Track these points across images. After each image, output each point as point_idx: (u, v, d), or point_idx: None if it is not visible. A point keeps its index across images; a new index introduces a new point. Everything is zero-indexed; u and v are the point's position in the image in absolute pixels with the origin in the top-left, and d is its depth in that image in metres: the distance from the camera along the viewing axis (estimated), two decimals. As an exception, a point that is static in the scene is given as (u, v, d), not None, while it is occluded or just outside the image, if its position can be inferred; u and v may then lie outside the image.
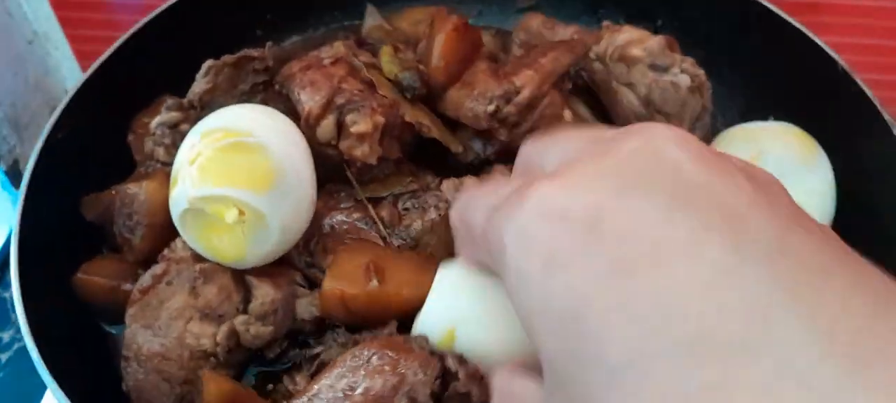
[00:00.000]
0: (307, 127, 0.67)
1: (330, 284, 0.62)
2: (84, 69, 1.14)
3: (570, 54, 0.74)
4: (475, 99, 0.70)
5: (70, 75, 1.17)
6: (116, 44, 0.79)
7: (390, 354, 0.53)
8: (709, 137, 0.79)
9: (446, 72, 0.71)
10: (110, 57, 0.78)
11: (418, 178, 0.73)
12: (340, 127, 0.67)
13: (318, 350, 0.58)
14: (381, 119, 0.66)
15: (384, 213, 0.70)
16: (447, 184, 0.72)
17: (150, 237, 0.67)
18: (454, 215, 0.45)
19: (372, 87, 0.69)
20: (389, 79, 0.73)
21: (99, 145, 0.74)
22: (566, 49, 0.75)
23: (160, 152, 0.70)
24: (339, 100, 0.67)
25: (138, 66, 0.79)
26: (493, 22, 0.96)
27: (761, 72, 0.84)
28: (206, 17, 0.84)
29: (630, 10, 0.91)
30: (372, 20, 0.89)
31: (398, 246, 0.67)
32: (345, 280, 0.62)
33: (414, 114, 0.70)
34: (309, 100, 0.67)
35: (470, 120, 0.70)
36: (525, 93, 0.70)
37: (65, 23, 1.10)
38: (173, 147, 0.69)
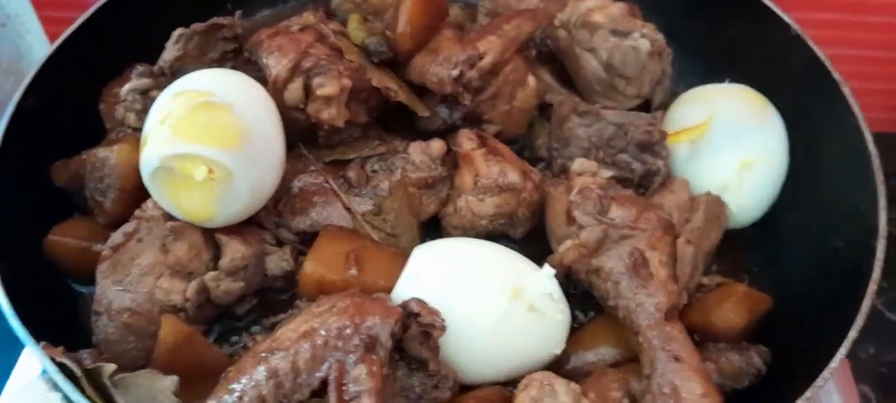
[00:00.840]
0: (275, 90, 0.68)
1: (311, 267, 0.63)
2: (50, 35, 1.14)
3: (532, 22, 0.76)
4: (440, 64, 0.72)
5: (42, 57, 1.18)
6: (86, 14, 0.79)
7: (357, 300, 0.55)
8: (669, 100, 0.81)
9: (412, 39, 0.73)
10: (80, 26, 0.79)
11: (386, 142, 0.74)
12: (308, 90, 0.68)
13: (280, 317, 0.60)
14: (347, 82, 0.68)
15: (352, 174, 0.72)
16: (414, 147, 0.74)
17: (121, 200, 0.68)
18: None
19: (339, 52, 0.71)
20: (357, 46, 0.74)
21: (69, 113, 0.75)
22: (529, 16, 0.77)
23: (131, 118, 0.71)
24: (307, 65, 0.68)
25: (108, 37, 0.80)
26: (463, -5, 0.98)
27: (720, 37, 0.86)
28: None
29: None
30: (342, -7, 0.91)
31: (363, 214, 0.69)
32: (325, 266, 0.63)
33: (380, 79, 0.72)
34: (276, 65, 0.68)
35: (434, 85, 0.72)
36: (488, 59, 0.72)
37: (38, 5, 1.10)
38: (144, 112, 0.70)
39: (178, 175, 0.61)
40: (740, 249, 0.76)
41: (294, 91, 0.68)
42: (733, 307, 0.66)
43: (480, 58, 0.72)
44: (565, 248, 0.65)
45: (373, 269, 0.63)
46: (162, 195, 0.63)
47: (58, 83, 0.74)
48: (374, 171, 0.73)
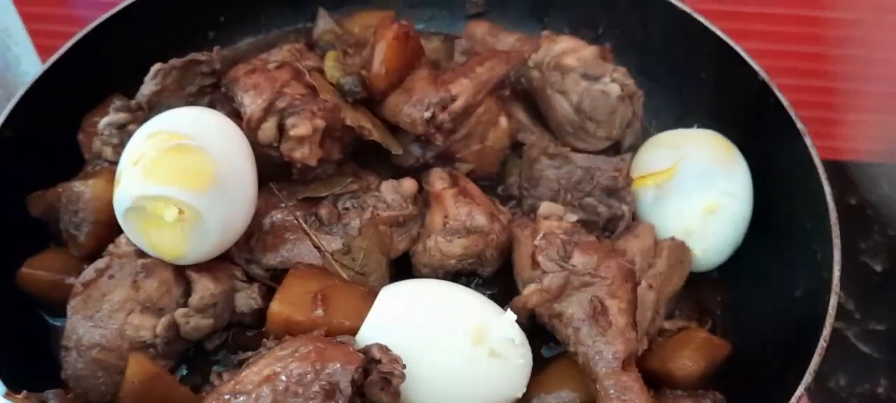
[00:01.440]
0: (249, 129, 0.69)
1: (278, 308, 0.64)
2: (40, 50, 1.15)
3: (505, 65, 0.78)
4: (413, 105, 0.73)
5: (31, 70, 1.18)
6: (69, 43, 0.80)
7: (319, 345, 0.56)
8: (639, 142, 0.83)
9: (386, 79, 0.75)
10: (62, 56, 0.80)
11: (359, 179, 0.76)
12: (281, 130, 0.70)
13: (248, 355, 0.61)
14: (320, 122, 0.69)
15: (324, 212, 0.73)
16: (386, 185, 0.75)
17: (95, 233, 0.69)
18: None
19: (314, 91, 0.72)
20: (332, 84, 0.76)
21: (49, 142, 0.76)
22: (502, 59, 0.79)
23: (108, 151, 0.72)
24: (281, 104, 0.70)
25: (91, 66, 0.81)
26: (443, 27, 0.99)
27: (693, 80, 0.88)
28: (160, 17, 0.87)
29: (574, 18, 0.95)
30: (323, 24, 0.92)
31: (332, 253, 0.71)
32: (292, 306, 0.64)
33: (354, 117, 0.73)
34: (251, 104, 0.70)
35: (407, 125, 0.73)
36: (460, 102, 0.74)
37: (26, 18, 1.11)
38: (121, 146, 0.71)
39: (149, 214, 0.62)
40: (705, 292, 0.78)
41: (268, 130, 0.69)
42: (691, 355, 0.67)
43: (453, 100, 0.74)
44: (529, 292, 0.66)
45: (340, 310, 0.65)
46: (134, 232, 0.64)
47: (38, 113, 0.76)
48: (346, 209, 0.74)
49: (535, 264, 0.67)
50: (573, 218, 0.71)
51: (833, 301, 0.64)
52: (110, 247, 0.67)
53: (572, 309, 0.64)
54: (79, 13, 1.11)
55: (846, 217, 0.70)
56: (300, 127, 0.68)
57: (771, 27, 0.96)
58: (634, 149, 0.82)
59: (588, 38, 0.86)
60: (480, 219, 0.71)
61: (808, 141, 0.74)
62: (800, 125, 0.75)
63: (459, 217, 0.71)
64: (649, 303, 0.69)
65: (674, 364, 0.67)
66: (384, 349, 0.57)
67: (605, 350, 0.62)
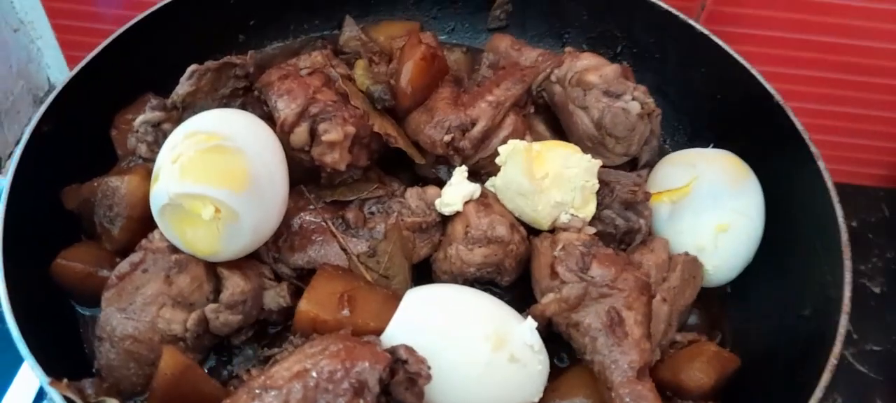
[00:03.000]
0: (282, 133, 0.72)
1: (306, 306, 0.66)
2: (68, 59, 1.18)
3: (521, 84, 0.80)
4: (433, 126, 0.76)
5: (54, 64, 1.21)
6: (104, 43, 0.83)
7: (348, 344, 0.58)
8: (656, 159, 0.86)
9: (412, 98, 0.78)
10: (98, 54, 0.82)
11: (385, 185, 0.78)
12: (313, 134, 0.72)
13: (274, 351, 0.63)
14: (351, 129, 0.71)
15: (350, 216, 0.75)
16: (411, 192, 0.77)
17: (128, 228, 0.71)
18: None
19: (345, 98, 0.75)
20: (362, 91, 0.78)
21: (83, 138, 0.78)
22: (518, 78, 0.81)
23: (142, 149, 0.74)
24: (314, 110, 0.72)
25: (124, 65, 0.83)
26: (464, 39, 1.02)
27: (708, 100, 0.90)
28: (191, 20, 0.89)
29: (592, 36, 0.98)
30: (349, 31, 0.95)
31: (358, 255, 0.73)
32: (319, 305, 0.66)
33: (382, 125, 0.76)
34: (285, 108, 0.72)
35: (427, 145, 0.76)
36: (479, 127, 0.76)
37: (51, 13, 1.14)
38: (155, 144, 0.73)
39: (185, 212, 0.64)
40: (717, 307, 0.80)
41: (300, 135, 0.71)
42: (702, 367, 0.69)
43: (473, 124, 0.76)
44: (548, 301, 0.68)
45: (365, 311, 0.67)
46: (169, 228, 0.66)
47: (74, 109, 0.78)
48: (371, 213, 0.76)
49: (553, 274, 0.69)
50: (592, 230, 0.74)
51: (843, 321, 0.66)
52: (144, 242, 0.69)
53: (589, 318, 0.67)
54: (101, 10, 1.13)
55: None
56: (332, 132, 0.70)
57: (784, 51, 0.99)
58: (651, 165, 0.85)
59: (606, 57, 0.89)
60: (501, 230, 0.73)
61: (821, 164, 0.76)
62: (813, 148, 0.77)
63: (481, 226, 0.73)
64: (663, 316, 0.72)
65: (685, 375, 0.69)
66: (411, 350, 0.59)
67: (621, 360, 0.64)
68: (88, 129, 0.79)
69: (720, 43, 0.86)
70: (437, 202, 0.75)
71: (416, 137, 0.77)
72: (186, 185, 0.64)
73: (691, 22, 0.88)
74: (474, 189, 0.76)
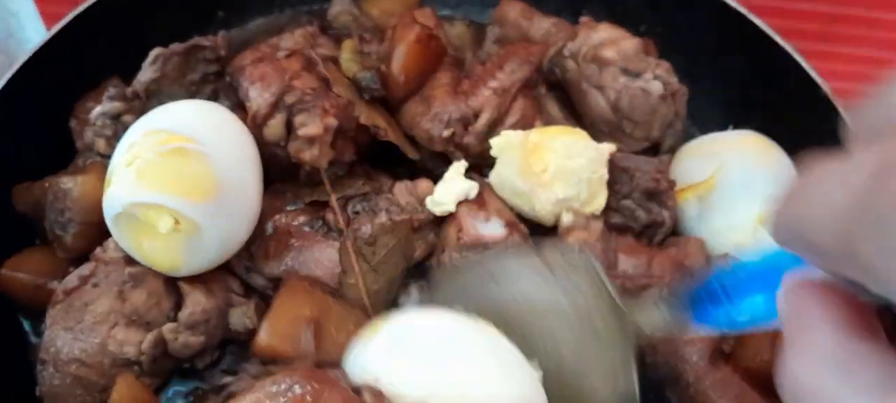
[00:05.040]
0: (254, 125, 0.63)
1: (265, 340, 0.58)
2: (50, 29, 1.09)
3: (527, 65, 0.70)
4: (430, 119, 0.66)
5: (35, 37, 1.12)
6: (66, 19, 0.74)
7: (314, 385, 0.50)
8: (680, 142, 0.75)
9: (405, 87, 0.68)
10: (59, 32, 0.73)
11: (372, 180, 0.69)
12: (289, 127, 0.63)
13: (227, 380, 0.55)
14: (332, 121, 0.62)
15: (330, 217, 0.67)
16: (399, 187, 0.68)
17: (83, 235, 0.63)
18: (778, 231, 0.30)
19: (327, 85, 0.65)
20: (349, 78, 0.69)
21: (41, 128, 0.70)
22: (523, 59, 0.70)
23: (100, 143, 0.66)
24: (290, 99, 0.63)
25: (90, 43, 0.75)
26: (471, 14, 0.91)
27: (744, 87, 0.80)
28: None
29: (614, 11, 0.87)
30: (340, 5, 0.85)
31: (357, 239, 0.64)
32: (280, 337, 0.58)
33: (370, 116, 0.67)
34: (257, 97, 0.63)
35: (424, 141, 0.67)
36: (483, 120, 0.67)
37: (29, -19, 1.05)
38: (114, 138, 0.65)
39: (141, 222, 0.56)
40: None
41: (274, 127, 0.62)
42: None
43: (476, 115, 0.67)
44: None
45: (331, 339, 0.58)
46: (124, 239, 0.58)
47: (30, 94, 0.70)
48: (356, 213, 0.68)
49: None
50: (598, 224, 0.64)
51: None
52: (97, 251, 0.61)
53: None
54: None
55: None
56: (310, 126, 0.61)
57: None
58: (674, 150, 0.75)
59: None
60: (497, 230, 0.65)
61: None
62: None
63: (473, 230, 0.65)
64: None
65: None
66: (378, 395, 0.50)
67: (688, 351, 0.56)
68: (48, 117, 0.70)
69: (762, 26, 0.75)
70: (429, 200, 0.66)
71: (411, 131, 0.68)
72: (142, 193, 0.56)
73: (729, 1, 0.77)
74: (469, 187, 0.66)
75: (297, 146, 0.62)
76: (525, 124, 0.71)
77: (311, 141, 0.62)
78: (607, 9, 0.87)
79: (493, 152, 0.67)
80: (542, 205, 0.66)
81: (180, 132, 0.59)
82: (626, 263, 0.60)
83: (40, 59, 0.70)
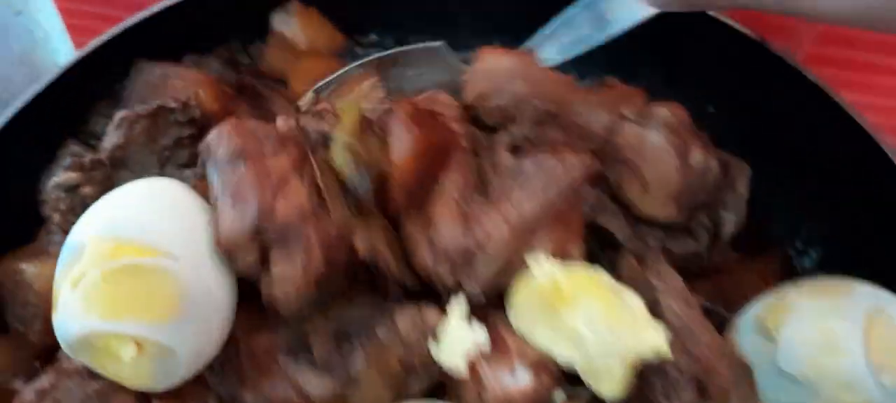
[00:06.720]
0: (222, 251, 0.53)
1: None
2: (76, 44, 1.02)
3: (566, 182, 0.54)
4: (428, 248, 0.54)
5: (61, 49, 1.06)
6: (66, 65, 0.66)
7: None
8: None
9: (404, 204, 0.55)
10: (59, 78, 0.65)
11: (368, 303, 0.59)
12: (264, 256, 0.53)
13: None
14: (318, 263, 0.51)
15: (317, 344, 0.58)
16: (403, 316, 0.58)
17: (49, 331, 0.57)
18: None
19: (320, 198, 0.54)
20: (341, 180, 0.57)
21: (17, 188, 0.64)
22: (565, 171, 0.55)
23: (56, 218, 0.58)
24: (269, 229, 0.51)
25: (90, 90, 0.67)
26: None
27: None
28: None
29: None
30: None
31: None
32: None
33: (366, 239, 0.55)
34: (227, 219, 0.51)
35: (423, 275, 0.55)
36: (488, 270, 0.53)
37: (57, -6, 0.98)
38: (71, 213, 0.57)
39: (101, 349, 0.50)
40: None
41: (244, 260, 0.52)
42: None
43: (481, 248, 0.53)
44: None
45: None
46: (86, 360, 0.52)
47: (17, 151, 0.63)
48: (348, 339, 0.58)
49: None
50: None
51: None
52: (59, 356, 0.55)
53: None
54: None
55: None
56: (285, 265, 0.51)
57: None
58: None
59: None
60: (523, 380, 0.54)
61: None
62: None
63: (498, 387, 0.54)
64: None
65: None
66: None
67: None
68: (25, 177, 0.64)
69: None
70: (434, 350, 0.56)
71: (410, 256, 0.57)
72: (93, 322, 0.49)
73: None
74: (479, 339, 0.56)
75: (267, 282, 0.52)
76: (558, 253, 0.57)
77: (284, 281, 0.52)
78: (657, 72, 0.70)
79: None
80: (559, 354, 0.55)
81: (131, 238, 0.50)
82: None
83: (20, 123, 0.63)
